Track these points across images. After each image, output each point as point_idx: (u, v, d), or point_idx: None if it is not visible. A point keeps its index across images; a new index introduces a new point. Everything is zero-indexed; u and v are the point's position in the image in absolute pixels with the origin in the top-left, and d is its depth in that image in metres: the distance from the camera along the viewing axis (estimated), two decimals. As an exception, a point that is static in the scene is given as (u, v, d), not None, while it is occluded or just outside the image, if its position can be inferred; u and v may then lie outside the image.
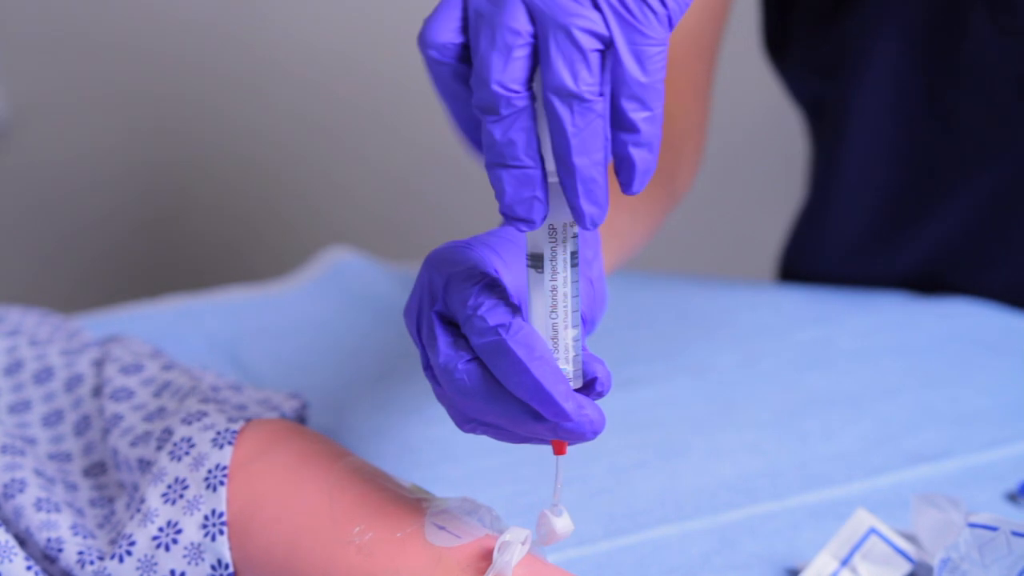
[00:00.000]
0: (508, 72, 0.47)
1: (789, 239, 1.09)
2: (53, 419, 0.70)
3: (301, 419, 0.71)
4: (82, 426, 0.69)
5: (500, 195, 0.49)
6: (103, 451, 0.67)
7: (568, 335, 0.52)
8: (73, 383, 0.71)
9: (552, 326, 0.52)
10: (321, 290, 1.06)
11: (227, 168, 1.65)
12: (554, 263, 0.51)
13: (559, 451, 0.55)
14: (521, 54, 0.47)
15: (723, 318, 0.99)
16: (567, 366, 0.52)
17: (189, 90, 1.61)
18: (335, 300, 1.03)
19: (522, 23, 0.46)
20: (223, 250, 1.67)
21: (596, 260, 0.58)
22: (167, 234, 1.67)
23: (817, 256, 1.04)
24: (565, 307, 0.52)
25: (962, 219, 0.96)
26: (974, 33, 0.89)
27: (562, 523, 0.56)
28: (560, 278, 0.51)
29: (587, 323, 0.56)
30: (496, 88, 0.47)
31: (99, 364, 0.72)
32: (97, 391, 0.70)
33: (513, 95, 0.47)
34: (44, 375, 0.72)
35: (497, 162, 0.48)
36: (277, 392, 0.72)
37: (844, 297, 1.00)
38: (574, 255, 0.52)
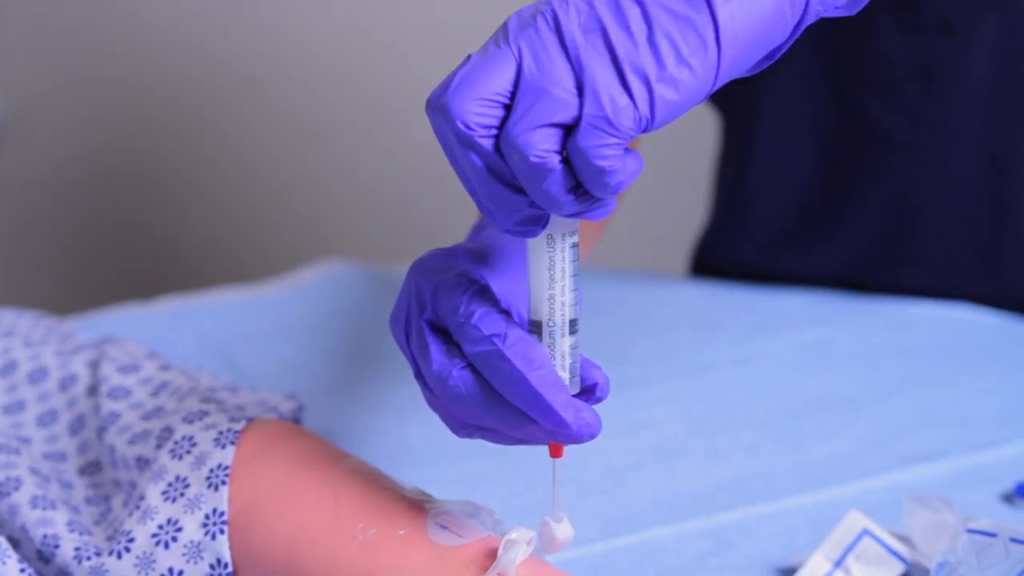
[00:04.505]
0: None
1: (703, 235, 1.10)
2: (47, 419, 0.70)
3: (297, 420, 0.71)
4: (77, 425, 0.69)
5: (494, 219, 0.49)
6: (98, 450, 0.67)
7: (565, 343, 0.52)
8: (67, 383, 0.71)
9: (550, 333, 0.51)
10: (314, 292, 1.06)
11: (220, 171, 1.65)
12: (552, 272, 0.51)
13: (555, 454, 0.55)
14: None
15: (720, 319, 0.99)
16: (564, 374, 0.52)
17: (183, 94, 1.61)
18: (328, 302, 1.03)
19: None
20: (216, 252, 1.67)
21: None
22: (160, 236, 1.67)
23: (732, 253, 1.05)
24: (563, 316, 0.51)
25: (878, 217, 0.97)
26: (877, 30, 0.90)
27: (563, 529, 0.56)
28: (558, 287, 0.51)
29: None
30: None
31: (94, 365, 0.72)
32: (92, 390, 0.70)
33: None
34: (38, 375, 0.71)
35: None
36: (273, 394, 0.71)
37: (841, 299, 1.00)
38: (573, 264, 0.51)
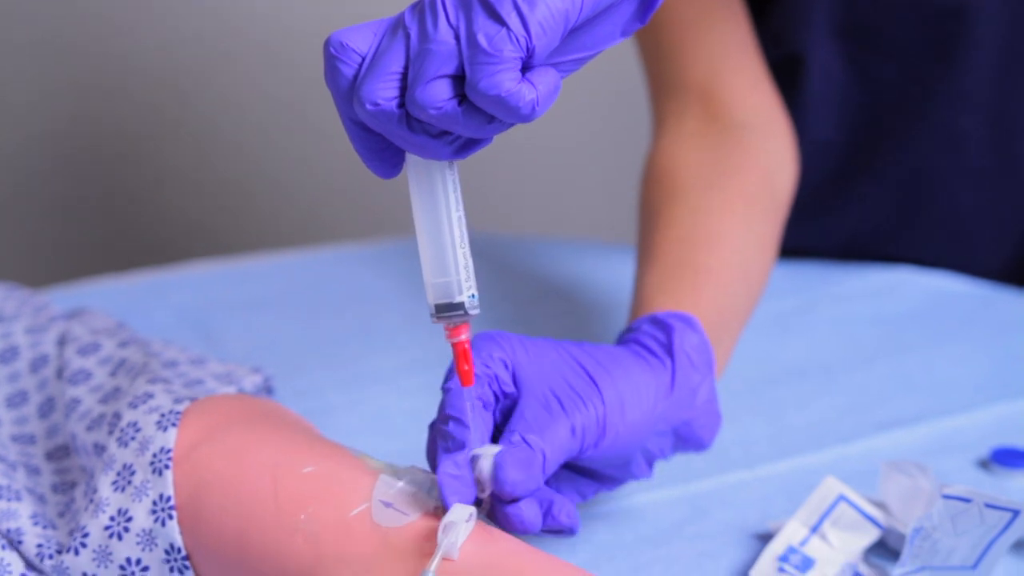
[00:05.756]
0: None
1: None
2: (17, 400, 0.69)
3: (267, 392, 0.71)
4: (46, 408, 0.68)
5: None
6: (66, 434, 0.67)
7: (468, 255, 0.54)
8: (38, 364, 0.70)
9: (464, 255, 0.54)
10: (292, 266, 1.05)
11: (198, 145, 1.64)
12: (456, 194, 0.54)
13: (466, 382, 0.55)
14: None
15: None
16: (469, 282, 0.54)
17: (160, 67, 1.60)
18: (307, 275, 1.03)
19: None
20: (193, 227, 1.66)
21: (704, 382, 0.62)
22: (136, 209, 1.66)
23: None
24: (462, 232, 0.54)
25: (891, 189, 0.97)
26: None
27: (489, 451, 0.55)
28: (458, 207, 0.54)
29: (698, 443, 0.62)
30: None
31: (62, 343, 0.71)
32: (60, 373, 0.69)
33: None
34: (9, 355, 0.71)
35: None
36: (240, 367, 0.71)
37: (819, 268, 1.00)
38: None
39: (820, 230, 1.01)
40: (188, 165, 1.65)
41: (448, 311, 0.54)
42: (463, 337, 0.55)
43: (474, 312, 0.54)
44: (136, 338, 0.72)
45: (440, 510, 0.54)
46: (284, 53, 1.60)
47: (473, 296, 0.54)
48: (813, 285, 0.97)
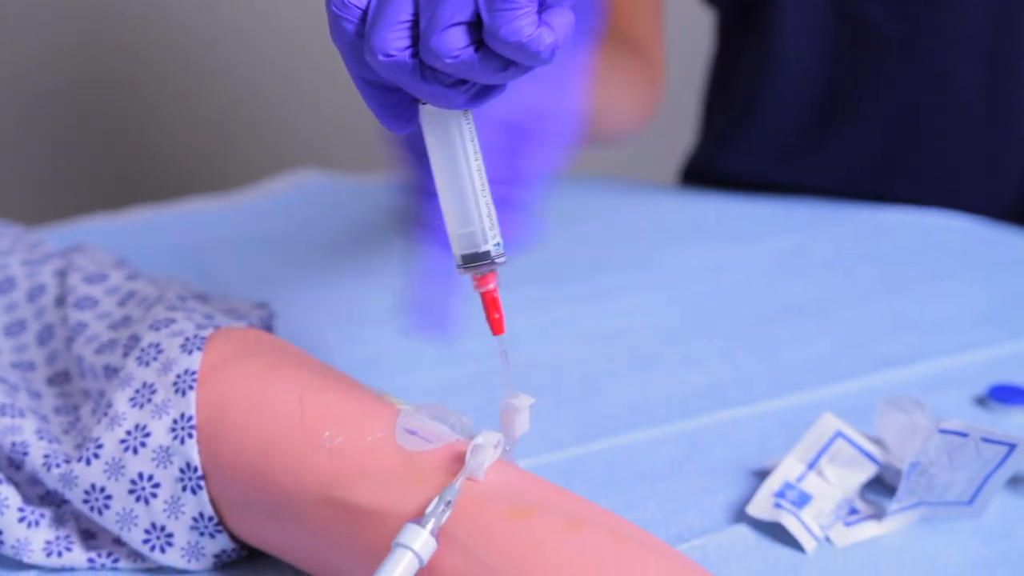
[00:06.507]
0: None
1: (697, 146, 1.09)
2: (15, 329, 0.69)
3: (268, 328, 0.71)
4: (45, 335, 0.69)
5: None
6: (67, 360, 0.67)
7: (490, 202, 0.54)
8: (35, 293, 0.70)
9: (486, 203, 0.53)
10: (288, 202, 1.05)
11: (194, 78, 1.63)
12: (474, 143, 0.53)
13: (497, 331, 0.55)
14: None
15: (695, 227, 0.99)
16: (494, 230, 0.54)
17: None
18: (303, 212, 1.03)
19: None
20: (189, 162, 1.65)
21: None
22: (131, 145, 1.65)
23: (730, 164, 1.05)
24: (483, 179, 0.53)
25: (880, 127, 0.97)
26: None
27: (522, 400, 0.55)
28: (477, 156, 0.53)
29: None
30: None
31: (62, 274, 0.71)
32: (60, 301, 0.69)
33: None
34: (5, 285, 0.71)
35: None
36: (244, 301, 0.71)
37: (816, 206, 1.00)
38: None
39: (811, 168, 1.01)
40: (185, 96, 1.63)
41: (474, 261, 0.53)
42: (491, 286, 0.54)
43: (500, 261, 0.54)
44: (142, 273, 0.72)
45: (462, 443, 0.55)
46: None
47: (499, 244, 0.54)
48: (810, 224, 0.97)
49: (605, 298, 0.87)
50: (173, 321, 0.62)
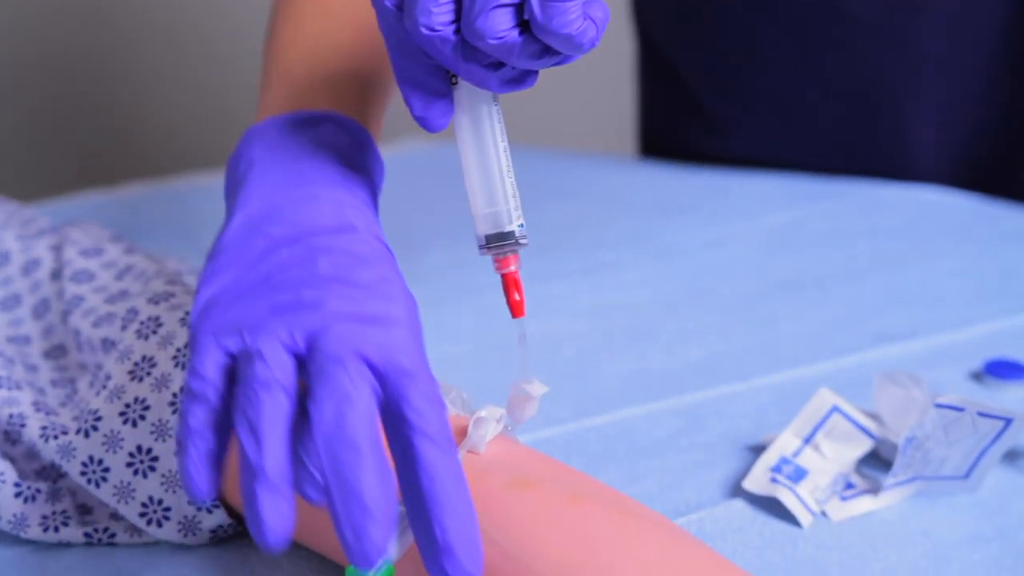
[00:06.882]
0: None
1: (649, 117, 1.09)
2: (10, 303, 0.69)
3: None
4: (41, 309, 0.68)
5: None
6: (63, 333, 0.67)
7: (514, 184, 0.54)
8: (30, 267, 0.70)
9: (512, 184, 0.54)
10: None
11: (185, 50, 1.62)
12: (502, 125, 0.53)
13: (517, 313, 0.55)
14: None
15: (693, 203, 0.99)
16: (519, 211, 0.54)
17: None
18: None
19: None
20: (182, 137, 1.65)
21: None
22: (123, 120, 1.64)
23: (689, 137, 1.05)
24: (508, 162, 0.54)
25: (845, 102, 0.97)
26: None
27: (535, 387, 0.56)
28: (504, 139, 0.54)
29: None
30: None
31: (57, 248, 0.71)
32: (56, 274, 0.69)
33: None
34: (0, 259, 0.71)
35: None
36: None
37: (812, 182, 1.00)
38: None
39: (776, 142, 1.01)
40: (175, 70, 1.63)
41: (498, 241, 0.54)
42: (512, 268, 0.54)
43: (524, 242, 0.54)
44: (138, 248, 0.72)
45: (462, 418, 0.55)
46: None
47: (522, 226, 0.54)
48: (807, 199, 0.97)
49: (602, 273, 0.87)
50: (172, 295, 0.62)
